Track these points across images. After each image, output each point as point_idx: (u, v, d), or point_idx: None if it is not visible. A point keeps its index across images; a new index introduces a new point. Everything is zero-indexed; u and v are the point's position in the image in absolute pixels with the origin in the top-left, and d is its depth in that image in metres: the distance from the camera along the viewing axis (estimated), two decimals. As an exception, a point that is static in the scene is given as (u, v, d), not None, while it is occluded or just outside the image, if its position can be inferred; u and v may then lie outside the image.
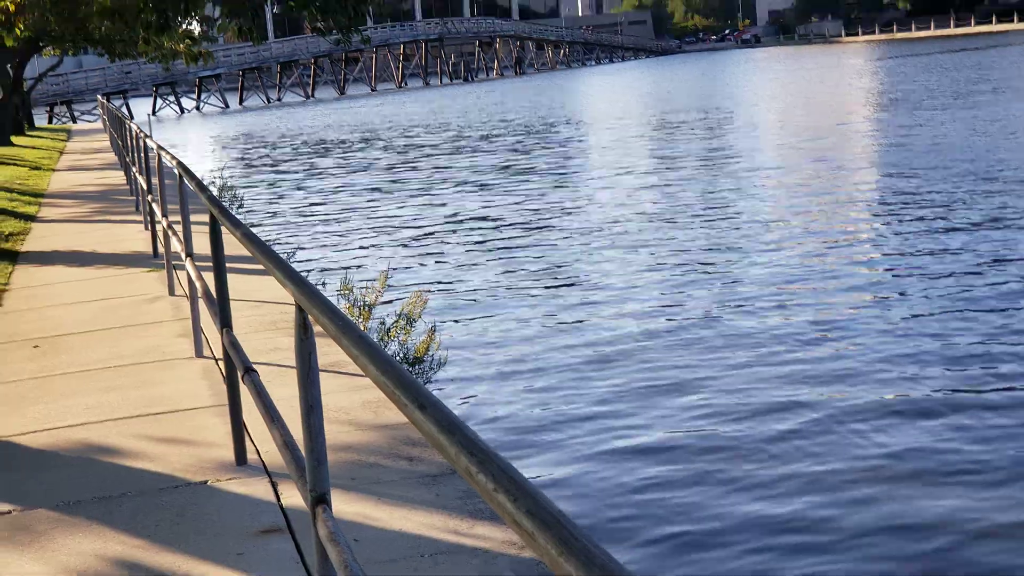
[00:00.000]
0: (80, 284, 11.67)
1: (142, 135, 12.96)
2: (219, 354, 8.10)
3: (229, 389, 5.79)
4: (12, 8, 14.76)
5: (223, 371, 7.64)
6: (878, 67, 76.95)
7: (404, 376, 2.23)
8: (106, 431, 6.61)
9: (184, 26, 12.92)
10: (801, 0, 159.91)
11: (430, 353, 9.81)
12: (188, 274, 7.94)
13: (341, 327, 2.81)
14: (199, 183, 6.62)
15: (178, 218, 10.08)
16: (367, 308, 10.22)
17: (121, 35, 18.80)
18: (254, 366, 4.96)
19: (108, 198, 20.51)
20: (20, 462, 6.24)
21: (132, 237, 14.81)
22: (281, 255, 4.07)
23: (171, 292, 10.55)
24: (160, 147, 9.82)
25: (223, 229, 5.65)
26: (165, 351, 8.44)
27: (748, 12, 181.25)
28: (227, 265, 5.82)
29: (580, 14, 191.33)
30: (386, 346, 9.66)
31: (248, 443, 6.01)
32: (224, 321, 5.65)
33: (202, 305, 8.15)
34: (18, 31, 15.16)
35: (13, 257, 13.79)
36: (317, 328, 3.26)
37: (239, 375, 4.96)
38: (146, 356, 8.32)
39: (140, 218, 16.07)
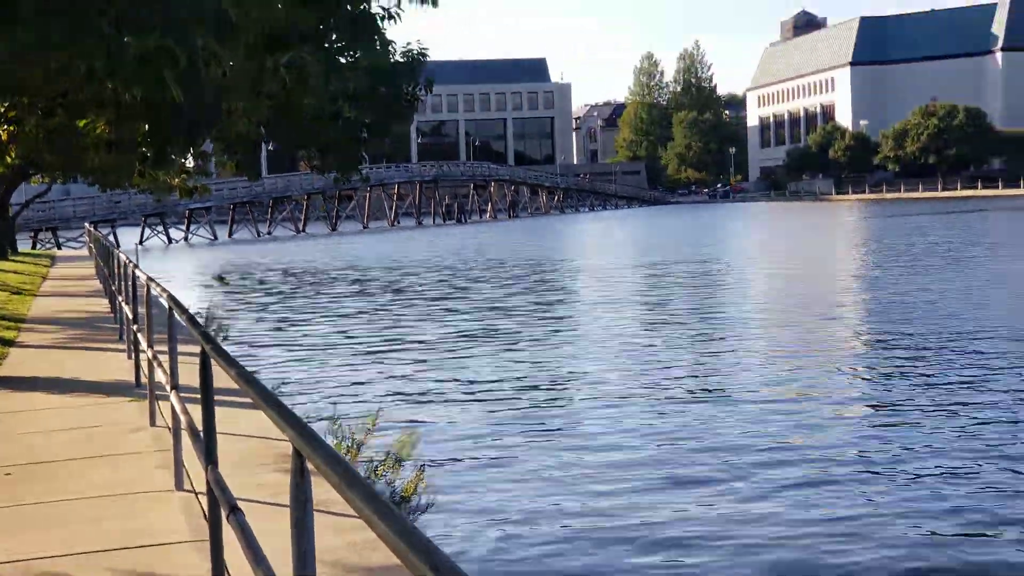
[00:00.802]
0: (58, 412, 11.41)
1: (130, 264, 12.83)
2: (200, 487, 7.85)
3: (211, 527, 5.53)
4: (4, 137, 14.76)
5: (203, 506, 7.40)
6: (863, 224, 77.73)
7: (415, 535, 2.11)
8: (79, 565, 6.33)
9: (180, 160, 12.92)
10: (792, 158, 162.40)
11: (417, 494, 9.55)
12: (172, 406, 7.73)
13: (345, 477, 2.63)
14: (190, 317, 6.47)
15: (164, 348, 9.92)
16: (356, 446, 9.97)
17: (115, 167, 18.85)
18: (239, 504, 4.74)
19: (91, 325, 20.29)
20: (-16, 596, 5.97)
21: (115, 366, 14.57)
22: (274, 392, 3.89)
23: (152, 423, 10.30)
24: (149, 278, 9.68)
25: (213, 364, 5.47)
26: (144, 483, 8.17)
27: (741, 167, 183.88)
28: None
29: (575, 161, 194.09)
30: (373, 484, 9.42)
31: (226, 585, 5.74)
32: (209, 457, 5.43)
33: (184, 436, 7.93)
34: (8, 159, 15.12)
35: (-9, 382, 13.52)
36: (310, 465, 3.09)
37: (223, 514, 4.73)
38: (124, 488, 8.06)
39: (124, 347, 15.84)
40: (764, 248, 57.11)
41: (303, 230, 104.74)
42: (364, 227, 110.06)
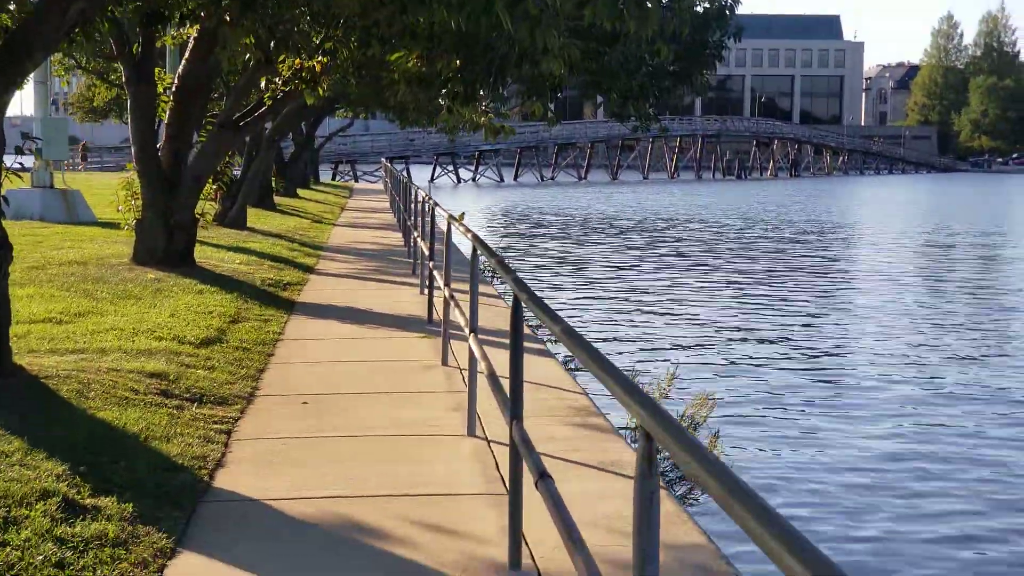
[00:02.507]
0: (352, 342, 11.50)
1: (431, 202, 12.78)
2: (492, 435, 7.66)
3: (511, 486, 5.25)
4: (318, 68, 14.97)
5: (495, 455, 7.20)
6: None
7: (789, 530, 1.84)
8: (366, 507, 6.19)
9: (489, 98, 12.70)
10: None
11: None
12: (470, 349, 7.55)
13: (706, 467, 2.26)
14: (501, 263, 6.17)
15: (460, 287, 9.80)
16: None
17: (418, 103, 18.93)
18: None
19: (384, 258, 20.66)
20: (270, 529, 5.87)
21: (406, 300, 14.67)
22: (613, 362, 3.50)
23: (444, 362, 10.21)
24: (451, 217, 9.53)
25: (524, 311, 5.19)
26: (436, 425, 8.04)
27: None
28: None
29: (862, 123, 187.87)
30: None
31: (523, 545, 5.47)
32: (515, 412, 5.15)
33: (480, 382, 7.75)
34: (320, 91, 15.36)
35: (289, 307, 13.80)
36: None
37: (531, 479, 4.43)
38: (416, 428, 7.94)
39: (415, 281, 15.98)
40: None
41: (585, 177, 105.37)
42: (644, 177, 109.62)
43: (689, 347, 18.22)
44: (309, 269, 18.03)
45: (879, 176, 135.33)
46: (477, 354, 6.96)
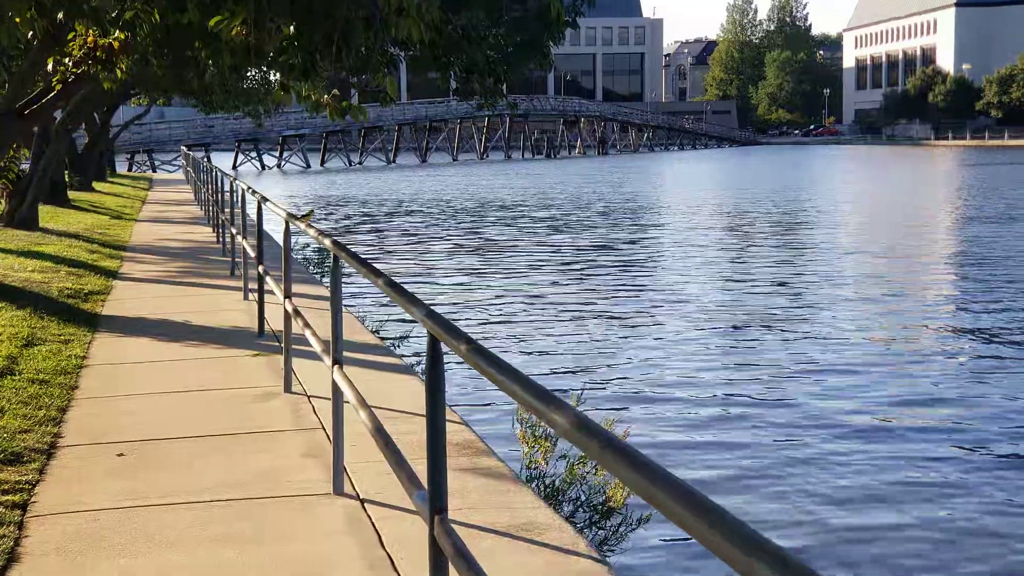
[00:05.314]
0: (172, 366, 9.70)
1: (256, 196, 11.00)
2: (364, 491, 6.10)
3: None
4: (116, 46, 13.03)
5: (376, 527, 5.63)
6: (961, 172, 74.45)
7: None
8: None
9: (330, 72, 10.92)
10: (889, 102, 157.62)
11: (626, 503, 7.62)
12: (335, 385, 5.94)
13: None
14: (392, 283, 4.55)
15: (303, 290, 8.17)
16: (550, 440, 8.07)
17: (228, 84, 17.06)
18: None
19: (196, 257, 18.72)
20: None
21: (229, 308, 12.85)
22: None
23: (288, 388, 8.52)
24: (292, 217, 7.85)
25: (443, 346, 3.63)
26: (292, 480, 6.39)
27: (834, 110, 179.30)
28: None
29: (663, 99, 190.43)
30: (569, 487, 7.54)
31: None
32: (438, 501, 3.60)
33: (350, 423, 6.19)
34: (119, 73, 13.38)
35: (94, 322, 11.88)
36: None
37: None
38: (269, 486, 6.27)
39: (236, 284, 14.19)
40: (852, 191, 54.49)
41: (393, 161, 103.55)
42: (454, 159, 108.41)
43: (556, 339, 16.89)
44: (113, 274, 16.02)
45: (683, 151, 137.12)
46: (350, 397, 5.33)
